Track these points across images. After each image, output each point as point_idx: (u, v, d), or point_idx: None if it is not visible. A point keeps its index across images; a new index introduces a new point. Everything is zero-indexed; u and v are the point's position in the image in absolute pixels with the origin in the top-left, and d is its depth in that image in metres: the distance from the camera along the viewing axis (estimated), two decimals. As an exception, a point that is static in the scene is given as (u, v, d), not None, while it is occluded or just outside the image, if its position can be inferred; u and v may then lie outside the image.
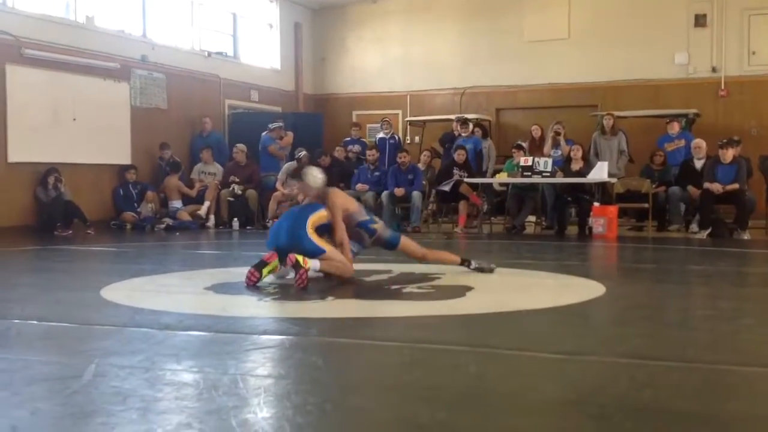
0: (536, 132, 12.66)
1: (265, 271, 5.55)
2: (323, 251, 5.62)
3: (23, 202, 11.16)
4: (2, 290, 5.72)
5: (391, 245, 6.27)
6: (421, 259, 6.37)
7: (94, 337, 3.95)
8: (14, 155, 11.01)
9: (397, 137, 14.34)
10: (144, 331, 4.01)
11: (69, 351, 3.63)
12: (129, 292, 5.40)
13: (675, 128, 12.29)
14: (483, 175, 12.48)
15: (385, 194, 11.75)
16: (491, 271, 6.27)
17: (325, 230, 5.90)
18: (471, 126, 13.11)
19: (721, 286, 6.08)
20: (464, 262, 6.35)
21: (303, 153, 12.60)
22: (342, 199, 6.08)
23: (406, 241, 6.32)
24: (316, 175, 6.04)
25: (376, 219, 6.39)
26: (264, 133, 13.41)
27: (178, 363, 3.33)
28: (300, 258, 5.43)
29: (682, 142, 12.08)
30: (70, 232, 10.89)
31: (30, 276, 7.00)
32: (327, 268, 5.63)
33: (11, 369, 3.22)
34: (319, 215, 5.85)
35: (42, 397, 2.81)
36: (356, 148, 13.93)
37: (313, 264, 5.50)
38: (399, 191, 11.73)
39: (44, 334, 4.06)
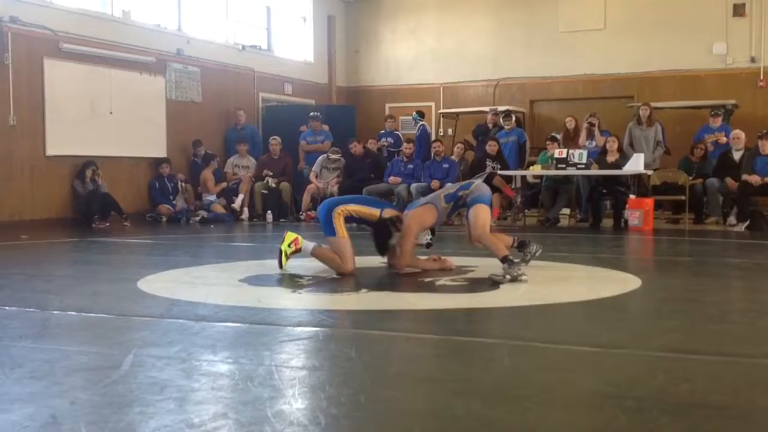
0: (570, 124, 12.54)
1: (284, 248, 5.97)
2: (333, 236, 5.83)
3: (61, 195, 11.33)
4: (41, 281, 5.81)
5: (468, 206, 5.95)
6: (475, 239, 5.85)
7: (131, 328, 3.99)
8: (52, 148, 11.18)
9: (421, 128, 14.18)
10: (180, 323, 4.05)
11: (107, 342, 3.68)
12: (165, 284, 5.46)
13: (718, 122, 12.11)
14: (524, 167, 12.41)
15: (413, 186, 11.74)
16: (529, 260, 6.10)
17: (362, 222, 6.02)
18: (514, 118, 13.01)
19: (760, 279, 5.98)
20: (516, 244, 6.07)
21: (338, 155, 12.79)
22: (417, 223, 5.90)
23: (478, 210, 5.86)
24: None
25: (461, 193, 5.98)
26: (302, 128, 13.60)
27: (214, 354, 3.36)
28: (288, 239, 5.97)
29: (722, 135, 11.89)
30: (107, 224, 11.03)
31: (68, 268, 7.10)
32: (319, 256, 5.97)
33: (51, 359, 3.27)
34: (359, 209, 5.93)
35: (81, 387, 2.85)
36: (387, 140, 13.92)
37: (305, 246, 5.98)
38: (435, 184, 11.71)
39: (83, 325, 4.12)
